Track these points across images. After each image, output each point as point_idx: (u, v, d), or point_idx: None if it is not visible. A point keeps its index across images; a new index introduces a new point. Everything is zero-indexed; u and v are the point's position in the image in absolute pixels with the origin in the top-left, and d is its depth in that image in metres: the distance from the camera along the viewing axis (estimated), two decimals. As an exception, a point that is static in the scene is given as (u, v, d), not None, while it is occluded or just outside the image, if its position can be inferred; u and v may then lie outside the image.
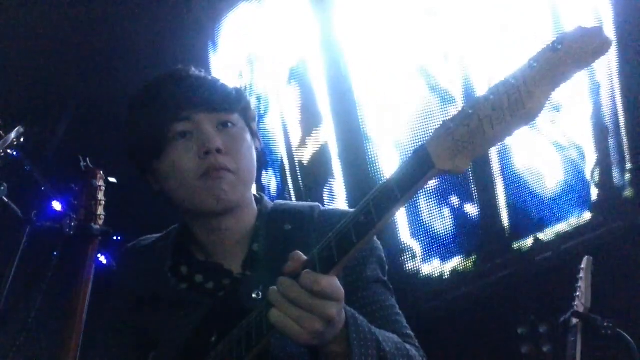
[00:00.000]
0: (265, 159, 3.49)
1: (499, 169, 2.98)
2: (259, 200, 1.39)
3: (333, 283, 0.97)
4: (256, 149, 1.34)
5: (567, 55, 0.81)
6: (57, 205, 2.80)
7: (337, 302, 0.97)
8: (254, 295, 1.14)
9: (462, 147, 0.89)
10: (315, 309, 0.95)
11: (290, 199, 3.22)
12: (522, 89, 0.83)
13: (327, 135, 2.80)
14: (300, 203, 1.41)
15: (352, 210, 1.32)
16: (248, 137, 1.30)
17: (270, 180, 3.55)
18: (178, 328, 1.24)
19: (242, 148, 1.27)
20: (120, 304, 1.42)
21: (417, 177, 0.92)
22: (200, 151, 1.22)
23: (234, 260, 1.31)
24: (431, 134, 0.94)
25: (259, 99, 3.43)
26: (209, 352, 1.16)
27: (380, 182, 0.97)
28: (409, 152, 0.96)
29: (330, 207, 1.39)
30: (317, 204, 1.40)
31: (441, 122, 0.93)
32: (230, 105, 1.28)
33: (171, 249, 1.36)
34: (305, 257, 1.01)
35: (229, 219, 1.29)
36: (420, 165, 0.92)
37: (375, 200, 0.96)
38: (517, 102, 0.84)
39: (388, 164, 2.65)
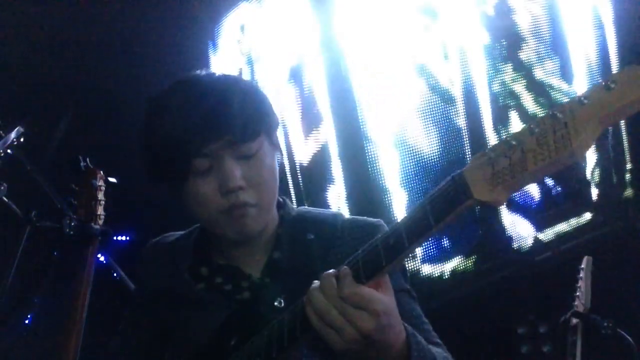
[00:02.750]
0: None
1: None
2: (281, 205, 1.37)
3: (367, 293, 0.95)
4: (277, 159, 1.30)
5: (620, 94, 0.77)
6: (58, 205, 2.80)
7: (373, 317, 0.94)
8: (275, 304, 1.14)
9: (501, 179, 0.85)
10: (350, 318, 0.94)
11: (290, 199, 3.21)
12: (569, 125, 0.79)
13: (327, 135, 2.80)
14: (324, 211, 1.38)
15: (374, 220, 1.31)
16: (270, 158, 1.25)
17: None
18: (195, 327, 1.25)
19: (264, 178, 1.22)
20: (139, 299, 1.43)
21: (453, 207, 0.89)
22: (221, 189, 1.19)
23: (253, 266, 1.30)
24: (470, 161, 0.90)
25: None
26: (228, 356, 1.15)
27: (414, 206, 0.94)
28: (447, 177, 0.92)
29: (354, 217, 1.37)
30: (340, 212, 1.38)
31: (481, 151, 0.89)
32: (253, 134, 1.21)
33: (191, 250, 1.35)
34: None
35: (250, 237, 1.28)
36: (457, 194, 0.89)
37: (407, 224, 0.93)
38: (564, 138, 0.80)
39: (388, 164, 2.65)
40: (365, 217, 1.35)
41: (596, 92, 0.79)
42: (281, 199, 1.38)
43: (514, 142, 0.84)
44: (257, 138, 1.21)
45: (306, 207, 1.41)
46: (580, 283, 2.36)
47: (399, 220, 0.96)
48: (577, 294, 2.34)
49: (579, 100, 0.79)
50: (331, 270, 0.99)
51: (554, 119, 0.81)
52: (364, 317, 0.94)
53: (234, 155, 1.19)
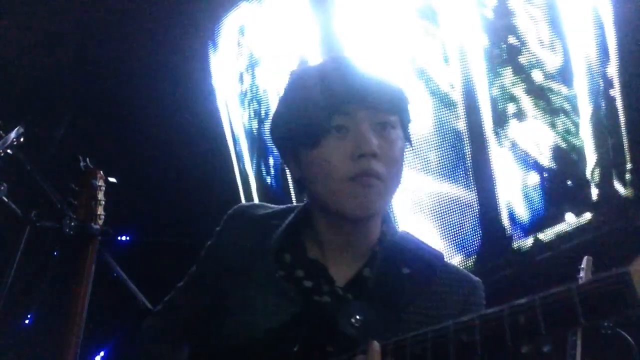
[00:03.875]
0: (267, 161, 3.49)
1: (499, 169, 2.98)
2: (385, 220, 1.31)
3: None
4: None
5: None
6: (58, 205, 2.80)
7: None
8: (352, 320, 1.09)
9: None
10: None
11: (291, 202, 3.22)
12: None
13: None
14: (426, 247, 1.31)
15: (475, 278, 1.26)
16: (401, 144, 1.22)
17: (272, 183, 3.55)
18: (262, 313, 1.20)
19: (396, 155, 1.19)
20: (211, 263, 1.35)
21: (612, 309, 0.82)
22: (354, 152, 1.15)
23: (341, 274, 1.24)
24: (636, 260, 0.81)
25: (259, 100, 3.43)
26: (286, 355, 1.13)
27: (556, 292, 0.86)
28: (606, 271, 0.84)
29: (455, 266, 1.32)
30: (441, 253, 1.31)
31: None
32: (393, 106, 1.20)
33: (282, 232, 1.28)
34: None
35: (360, 226, 1.23)
36: (618, 295, 0.81)
37: (547, 308, 0.87)
38: None
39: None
40: (466, 271, 1.30)
41: None
42: (385, 213, 1.33)
43: None
44: (396, 114, 1.21)
45: (409, 233, 1.34)
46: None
47: (534, 297, 0.88)
48: (577, 294, 2.34)
49: None
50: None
51: None
52: None
53: (372, 122, 1.17)
